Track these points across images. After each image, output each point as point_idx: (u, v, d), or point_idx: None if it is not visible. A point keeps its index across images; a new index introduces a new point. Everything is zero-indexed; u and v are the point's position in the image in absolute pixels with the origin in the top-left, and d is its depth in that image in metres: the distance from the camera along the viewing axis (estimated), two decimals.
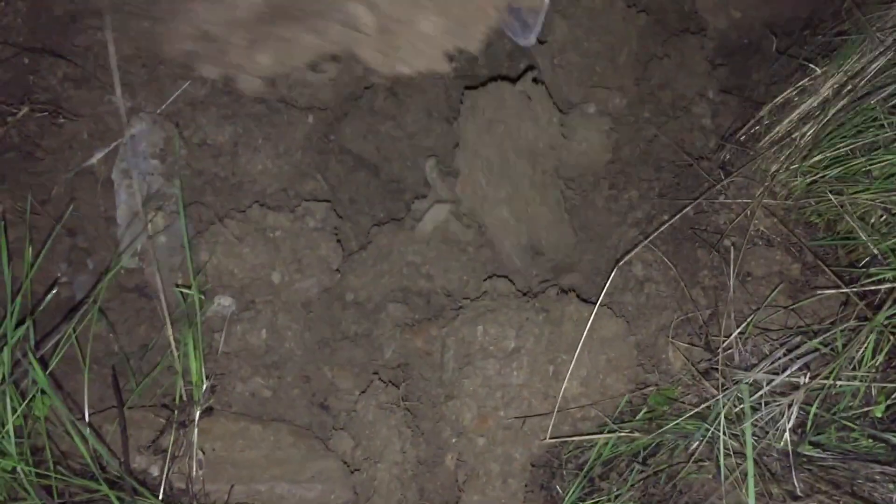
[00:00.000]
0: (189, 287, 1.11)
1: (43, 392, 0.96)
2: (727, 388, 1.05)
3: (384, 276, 1.40)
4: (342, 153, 1.54)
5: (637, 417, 1.19)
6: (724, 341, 1.12)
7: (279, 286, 1.31)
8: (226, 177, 1.37)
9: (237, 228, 1.28)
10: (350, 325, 1.36)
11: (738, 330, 1.05)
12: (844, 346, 0.99)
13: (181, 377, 1.02)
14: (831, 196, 1.06)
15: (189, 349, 1.05)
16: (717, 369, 1.12)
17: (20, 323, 0.99)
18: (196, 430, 1.00)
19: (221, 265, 1.27)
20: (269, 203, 1.37)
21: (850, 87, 1.08)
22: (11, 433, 0.90)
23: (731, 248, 1.18)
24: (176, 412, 1.00)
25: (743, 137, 1.28)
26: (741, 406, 1.00)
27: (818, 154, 1.10)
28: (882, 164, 1.05)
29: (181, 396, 1.02)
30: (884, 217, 1.07)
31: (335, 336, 1.36)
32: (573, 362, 1.20)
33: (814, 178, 1.11)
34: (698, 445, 1.07)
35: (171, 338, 1.04)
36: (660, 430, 1.11)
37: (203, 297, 1.21)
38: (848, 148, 1.08)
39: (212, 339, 1.27)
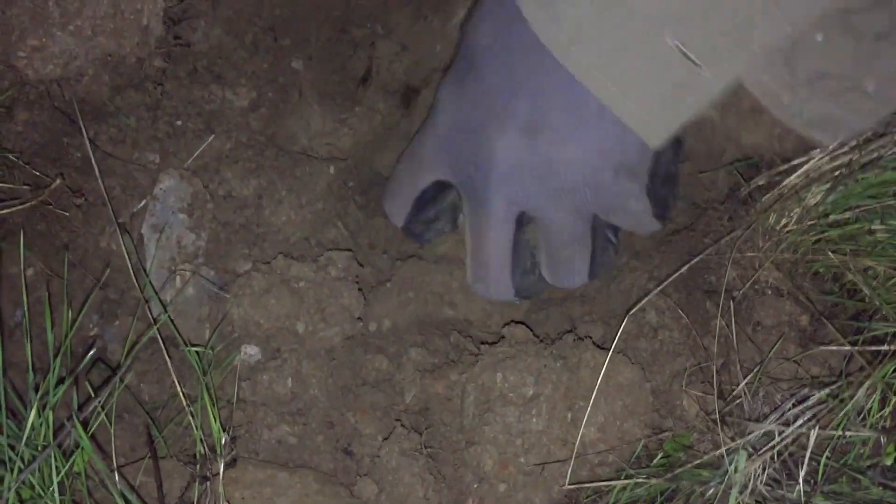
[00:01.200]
0: (207, 342, 1.15)
1: (82, 448, 1.00)
2: (738, 438, 1.09)
3: (409, 304, 1.45)
4: (362, 195, 1.59)
5: (653, 463, 1.22)
6: (733, 391, 1.16)
7: (304, 335, 1.35)
8: (251, 228, 1.42)
9: (263, 280, 1.33)
10: (371, 370, 1.40)
11: (745, 380, 1.09)
12: (851, 397, 1.02)
13: (200, 430, 1.07)
14: (832, 256, 1.09)
15: (206, 402, 1.09)
16: (730, 418, 1.15)
17: (60, 381, 1.04)
18: (221, 482, 1.04)
19: (248, 316, 1.32)
20: (292, 253, 1.42)
21: (864, 152, 1.12)
22: (56, 491, 0.94)
23: (737, 298, 1.21)
24: (198, 466, 1.04)
25: (752, 189, 1.31)
26: (752, 457, 1.03)
27: (824, 214, 1.13)
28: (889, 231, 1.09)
29: (201, 451, 1.07)
30: (890, 279, 1.10)
31: (357, 382, 1.40)
32: (590, 408, 1.24)
33: (819, 237, 1.14)
34: (713, 493, 1.10)
35: (182, 394, 1.09)
36: (674, 476, 1.14)
37: (213, 351, 1.26)
38: (856, 212, 1.12)
39: (239, 388, 1.31)
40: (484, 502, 1.26)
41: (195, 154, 1.38)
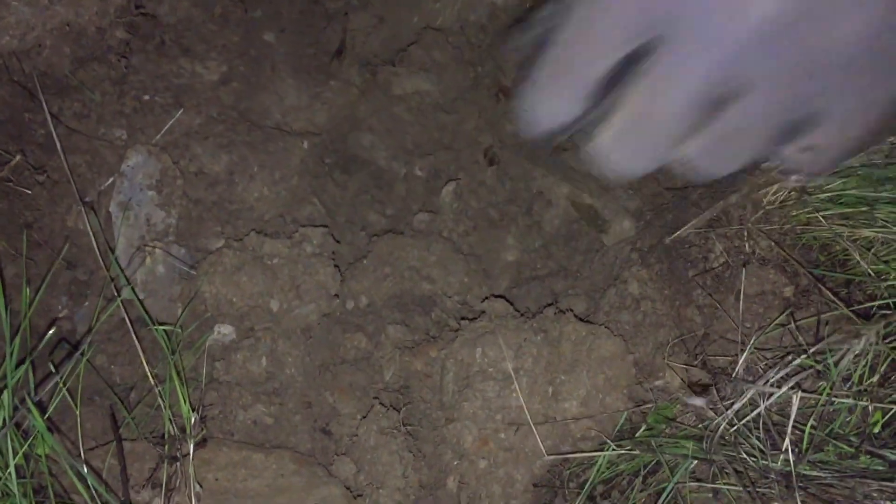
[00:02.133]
0: (177, 321, 1.12)
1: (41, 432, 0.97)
2: (723, 406, 1.06)
3: (386, 280, 1.42)
4: (340, 171, 1.55)
5: (637, 436, 1.19)
6: (718, 361, 1.13)
7: (278, 313, 1.32)
8: (223, 205, 1.38)
9: (235, 257, 1.30)
10: (350, 348, 1.37)
11: (735, 350, 1.05)
12: (836, 363, 0.99)
13: (169, 411, 1.03)
14: (826, 223, 1.06)
15: (175, 382, 1.06)
16: (713, 388, 1.12)
17: (21, 362, 1.00)
18: (191, 463, 1.00)
19: (219, 294, 1.29)
20: (266, 230, 1.38)
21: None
22: (13, 474, 0.91)
23: (721, 268, 1.18)
24: (167, 447, 1.01)
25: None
26: (736, 427, 1.00)
27: (821, 192, 1.11)
28: (888, 210, 1.07)
29: (170, 431, 1.03)
30: (884, 247, 1.08)
31: (335, 360, 1.36)
32: (572, 382, 1.21)
33: (812, 214, 1.12)
34: (696, 465, 1.07)
35: (150, 374, 1.06)
36: (658, 449, 1.12)
37: (181, 330, 1.22)
38: (856, 192, 1.09)
39: (213, 367, 1.28)
40: (464, 479, 1.23)
41: (164, 129, 1.34)
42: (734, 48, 0.59)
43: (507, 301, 1.37)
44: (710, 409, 1.08)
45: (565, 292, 1.44)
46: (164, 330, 1.18)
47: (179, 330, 1.19)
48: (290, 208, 1.44)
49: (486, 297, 1.38)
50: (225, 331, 1.31)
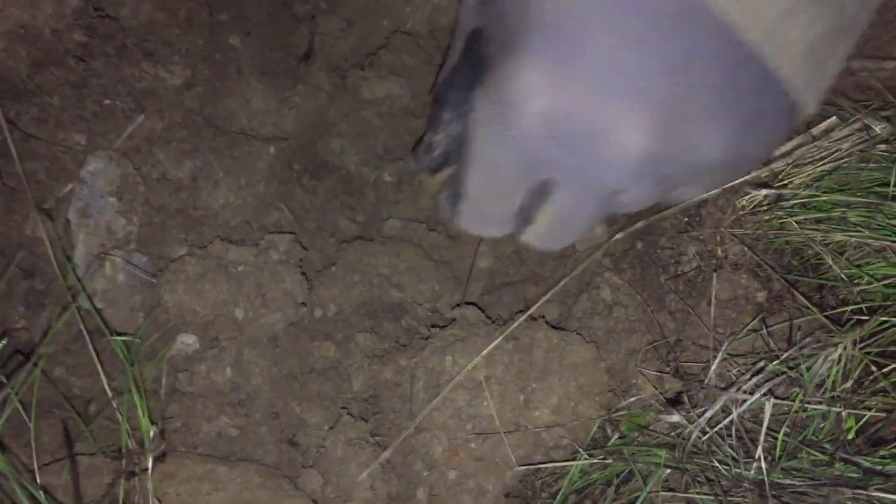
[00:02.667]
0: (137, 330, 1.08)
1: None
2: (695, 414, 1.04)
3: (355, 288, 1.39)
4: (309, 177, 1.52)
5: (609, 444, 1.17)
6: (690, 368, 1.11)
7: (244, 322, 1.29)
8: (187, 212, 1.35)
9: (198, 265, 1.26)
10: (318, 357, 1.34)
11: (706, 357, 1.04)
12: (809, 369, 0.98)
13: (127, 424, 1.00)
14: (798, 227, 1.05)
15: (134, 394, 1.03)
16: (686, 395, 1.11)
17: None
18: (150, 478, 0.97)
19: (182, 303, 1.25)
20: (232, 237, 1.35)
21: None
22: None
23: (693, 273, 1.17)
24: (124, 461, 0.97)
25: None
26: (709, 434, 0.99)
27: (793, 197, 1.10)
28: (860, 214, 1.06)
29: (127, 445, 1.00)
30: (857, 251, 1.07)
31: (303, 369, 1.33)
32: (543, 390, 1.19)
33: (784, 219, 1.10)
34: (669, 474, 1.05)
35: (107, 386, 1.02)
36: (631, 458, 1.10)
37: (141, 340, 1.19)
38: (829, 197, 1.08)
39: (176, 379, 1.24)
40: (434, 491, 1.20)
41: (125, 134, 1.31)
42: (614, 182, 0.71)
43: (479, 308, 1.34)
44: (683, 416, 1.06)
45: (537, 298, 1.42)
46: (124, 341, 1.14)
47: (139, 340, 1.15)
48: (256, 215, 1.41)
49: (458, 305, 1.35)
50: (188, 340, 1.27)
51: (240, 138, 1.42)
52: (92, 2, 1.23)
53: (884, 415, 0.99)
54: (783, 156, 1.21)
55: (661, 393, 1.13)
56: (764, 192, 1.10)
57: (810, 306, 1.04)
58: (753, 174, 1.19)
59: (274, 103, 1.50)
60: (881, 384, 0.98)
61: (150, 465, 1.01)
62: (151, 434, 1.03)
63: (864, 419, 1.00)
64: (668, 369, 1.15)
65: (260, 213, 1.42)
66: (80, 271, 1.24)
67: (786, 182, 1.14)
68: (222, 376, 1.25)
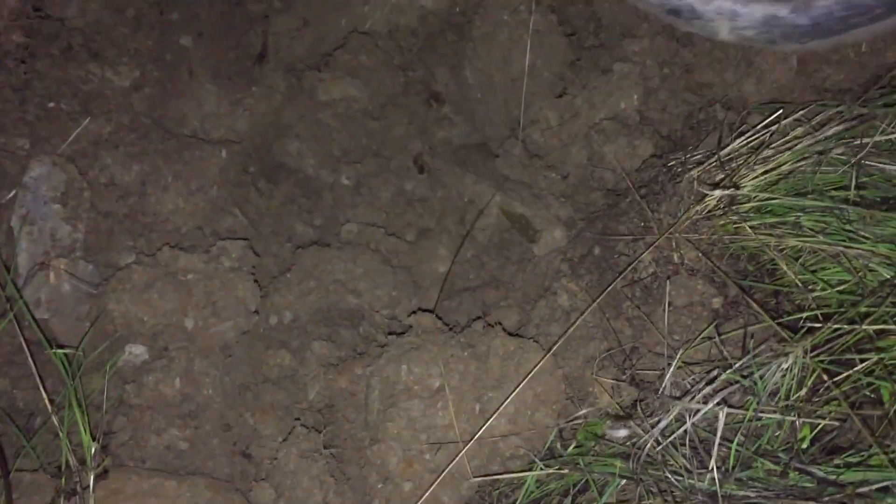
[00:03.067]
0: (80, 342, 1.05)
1: None
2: (648, 424, 1.03)
3: (311, 294, 1.36)
4: (265, 180, 1.49)
5: (566, 453, 1.15)
6: (647, 374, 1.10)
7: (193, 331, 1.25)
8: (135, 218, 1.31)
9: (145, 273, 1.23)
10: (273, 366, 1.31)
11: (661, 364, 1.02)
12: (763, 378, 0.97)
13: (67, 439, 0.97)
14: (753, 232, 1.04)
15: (75, 409, 0.99)
16: (642, 404, 1.09)
17: None
18: (91, 496, 0.94)
19: (130, 312, 1.22)
20: (182, 243, 1.31)
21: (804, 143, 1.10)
22: None
23: (649, 279, 1.15)
24: (63, 479, 0.94)
25: (673, 164, 1.26)
26: (663, 445, 0.97)
27: (748, 201, 1.09)
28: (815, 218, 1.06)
29: (68, 462, 0.96)
30: (811, 256, 1.06)
31: (257, 379, 1.30)
32: (500, 399, 1.17)
33: (739, 224, 1.09)
34: (624, 484, 1.04)
35: (47, 400, 0.99)
36: (586, 468, 1.08)
37: (83, 353, 1.15)
38: (784, 201, 1.08)
39: (123, 391, 1.21)
40: (390, 503, 1.18)
41: (70, 138, 1.27)
42: None
43: (436, 315, 1.32)
44: (638, 426, 1.05)
45: (497, 304, 1.40)
46: (66, 353, 1.11)
47: (81, 353, 1.12)
48: (209, 220, 1.38)
49: (414, 312, 1.33)
50: (137, 351, 1.24)
51: (191, 141, 1.38)
52: (31, 2, 1.19)
53: (838, 423, 0.98)
54: (738, 156, 1.20)
55: (617, 402, 1.12)
56: (718, 192, 1.09)
57: (763, 314, 1.03)
58: (706, 173, 1.18)
59: (227, 105, 1.47)
60: (835, 392, 0.97)
61: (91, 482, 0.98)
62: (93, 450, 0.99)
63: (819, 428, 0.99)
64: (624, 377, 1.14)
65: (212, 218, 1.38)
66: (23, 280, 1.20)
67: (740, 185, 1.13)
68: (171, 388, 1.22)
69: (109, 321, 1.22)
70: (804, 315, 1.05)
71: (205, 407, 1.25)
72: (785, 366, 0.94)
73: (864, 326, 0.95)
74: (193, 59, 1.45)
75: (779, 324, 1.04)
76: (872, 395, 1.00)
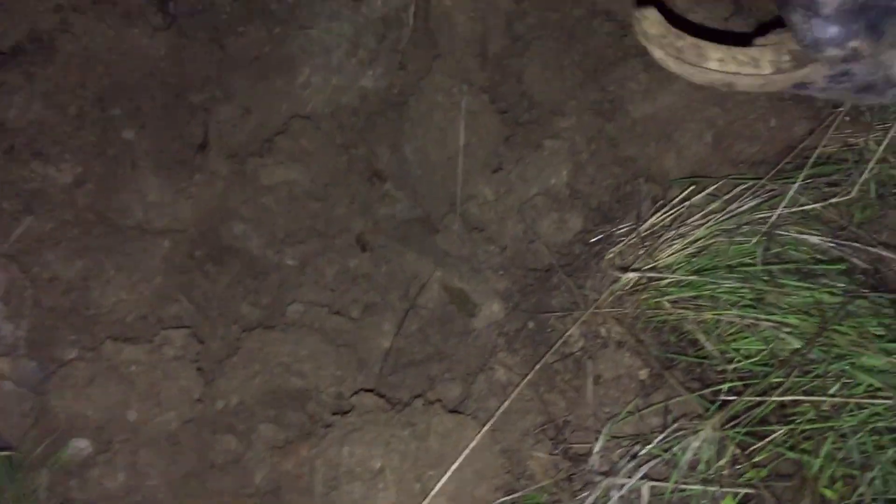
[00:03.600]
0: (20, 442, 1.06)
1: None
2: (581, 497, 1.06)
3: (256, 377, 1.38)
4: (213, 263, 1.52)
5: None
6: (580, 448, 1.13)
7: (137, 423, 1.27)
8: (79, 311, 1.33)
9: (87, 368, 1.25)
10: (219, 452, 1.33)
11: (591, 438, 1.06)
12: (684, 451, 1.01)
13: None
14: (671, 307, 1.09)
15: None
16: (575, 475, 1.12)
17: None
18: None
19: (72, 408, 1.24)
20: (126, 334, 1.34)
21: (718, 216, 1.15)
22: None
23: (579, 353, 1.19)
24: None
25: (598, 239, 1.31)
26: None
27: (669, 273, 1.14)
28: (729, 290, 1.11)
29: None
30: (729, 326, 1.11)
31: (203, 466, 1.32)
32: (439, 477, 1.20)
33: (659, 298, 1.14)
34: None
35: None
36: None
37: (22, 454, 1.17)
38: (698, 275, 1.13)
39: (68, 487, 1.22)
40: None
41: (12, 237, 1.30)
42: None
43: (377, 394, 1.35)
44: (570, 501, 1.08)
45: (441, 376, 1.43)
46: (9, 455, 1.12)
47: (20, 455, 1.13)
48: (153, 308, 1.40)
49: (356, 392, 1.36)
50: (82, 445, 1.25)
51: (134, 233, 1.42)
52: None
53: (755, 491, 1.02)
54: (659, 229, 1.25)
55: (551, 477, 1.15)
56: (631, 275, 1.14)
57: (681, 388, 1.08)
58: (628, 248, 1.24)
59: (170, 194, 1.50)
60: (749, 463, 1.01)
61: None
62: None
63: (740, 496, 1.03)
64: (557, 451, 1.17)
65: (157, 307, 1.41)
66: None
67: (658, 260, 1.18)
68: (114, 481, 1.23)
69: (53, 417, 1.24)
70: (724, 387, 1.09)
71: (149, 498, 1.26)
72: (699, 440, 0.98)
73: (772, 399, 1.00)
74: (136, 151, 1.49)
75: (700, 396, 1.09)
76: (789, 465, 1.04)
